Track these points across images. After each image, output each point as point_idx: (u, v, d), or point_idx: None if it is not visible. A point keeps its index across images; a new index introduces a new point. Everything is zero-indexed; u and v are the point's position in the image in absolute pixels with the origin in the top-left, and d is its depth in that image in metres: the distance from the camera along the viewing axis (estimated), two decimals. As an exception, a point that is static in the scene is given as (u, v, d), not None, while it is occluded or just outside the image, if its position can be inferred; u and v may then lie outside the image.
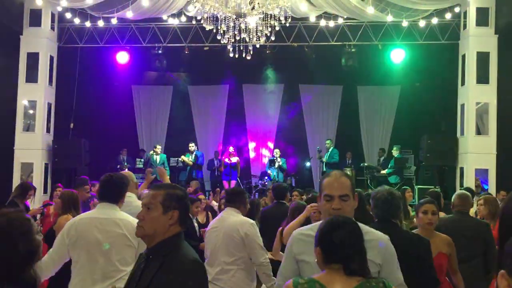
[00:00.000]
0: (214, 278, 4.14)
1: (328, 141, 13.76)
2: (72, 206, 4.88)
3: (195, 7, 9.83)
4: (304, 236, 2.51)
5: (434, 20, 11.38)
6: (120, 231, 3.32)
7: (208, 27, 8.10)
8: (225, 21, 7.99)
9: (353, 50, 12.53)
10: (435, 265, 3.26)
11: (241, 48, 8.39)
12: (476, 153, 11.01)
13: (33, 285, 1.89)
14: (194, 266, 2.19)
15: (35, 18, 11.74)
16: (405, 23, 11.34)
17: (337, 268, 2.10)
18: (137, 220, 3.46)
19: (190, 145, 13.51)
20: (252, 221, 4.32)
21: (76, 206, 4.92)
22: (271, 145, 14.82)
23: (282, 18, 7.83)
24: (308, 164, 15.04)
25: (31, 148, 11.62)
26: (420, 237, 3.34)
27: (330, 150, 13.55)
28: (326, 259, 2.14)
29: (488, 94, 11.10)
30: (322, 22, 11.65)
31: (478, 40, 11.12)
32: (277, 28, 8.21)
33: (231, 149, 13.50)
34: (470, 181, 10.95)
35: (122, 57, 13.10)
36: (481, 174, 11.21)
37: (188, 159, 13.34)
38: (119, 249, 3.29)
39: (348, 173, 13.50)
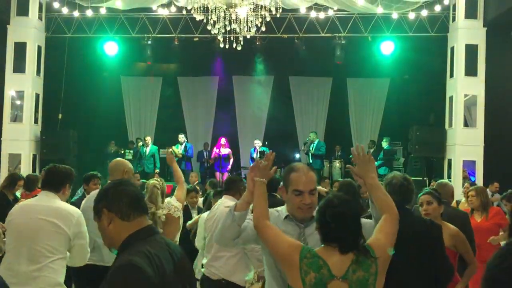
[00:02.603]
0: (208, 264, 4.24)
1: (312, 134, 13.78)
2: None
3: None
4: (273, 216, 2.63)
5: (424, 13, 11.42)
6: (51, 219, 3.39)
7: (198, 17, 8.06)
8: (215, 11, 7.95)
9: (343, 42, 12.55)
10: None
11: (232, 39, 8.36)
12: (464, 145, 11.13)
13: None
14: (121, 271, 1.89)
15: (23, 7, 11.59)
16: (395, 15, 11.37)
17: (334, 245, 2.25)
18: (76, 210, 3.60)
19: (180, 136, 13.46)
20: None
21: None
22: (260, 136, 14.80)
23: (273, 9, 7.81)
24: (297, 156, 15.08)
25: (19, 139, 11.51)
26: (433, 222, 3.37)
27: (316, 142, 13.59)
28: (323, 238, 2.30)
29: (476, 87, 11.20)
30: (313, 14, 11.64)
31: (466, 33, 11.19)
32: (267, 19, 8.19)
33: (222, 140, 13.47)
34: (457, 172, 11.08)
35: (111, 48, 12.96)
36: (469, 166, 11.34)
37: (178, 150, 13.29)
38: (47, 236, 3.34)
39: (338, 165, 13.64)
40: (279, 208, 2.75)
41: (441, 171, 11.77)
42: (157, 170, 12.99)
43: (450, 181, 11.08)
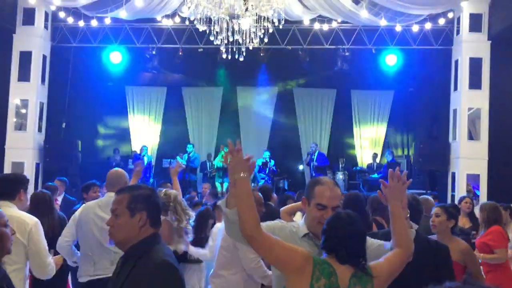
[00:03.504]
0: (210, 279, 4.12)
1: (312, 145, 13.82)
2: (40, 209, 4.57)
3: (188, 8, 9.81)
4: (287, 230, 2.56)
5: (428, 25, 11.42)
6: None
7: (201, 28, 8.09)
8: (218, 23, 7.98)
9: (347, 54, 12.55)
10: None
11: (234, 49, 8.38)
12: (468, 158, 11.04)
13: None
14: (163, 269, 2.08)
15: (29, 16, 11.69)
16: (398, 28, 11.37)
17: (332, 255, 2.28)
18: (32, 217, 3.53)
19: (189, 146, 13.59)
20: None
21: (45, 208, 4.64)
22: (264, 147, 14.76)
23: (275, 21, 7.83)
24: (301, 167, 15.05)
25: (23, 148, 11.55)
26: (438, 244, 3.31)
27: (316, 154, 13.60)
28: (323, 247, 2.33)
29: (480, 100, 11.14)
30: (316, 25, 11.67)
31: (471, 46, 11.17)
32: (270, 31, 8.21)
33: (224, 150, 13.44)
34: (461, 186, 10.99)
35: (116, 57, 13.03)
36: (473, 180, 11.25)
37: (181, 161, 13.33)
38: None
39: (341, 176, 13.59)
40: (295, 224, 2.66)
41: (444, 184, 11.68)
42: (151, 180, 13.08)
43: (454, 194, 11.01)
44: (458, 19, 11.39)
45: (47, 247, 3.52)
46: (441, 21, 11.30)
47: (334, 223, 2.31)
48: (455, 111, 11.52)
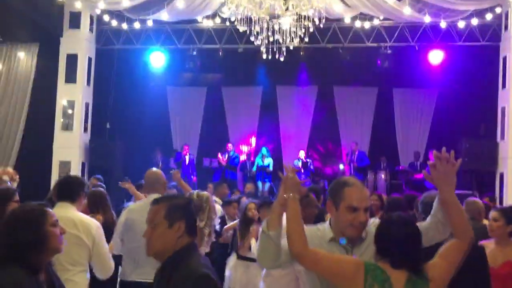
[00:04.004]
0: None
1: (353, 144, 13.67)
2: (98, 205, 4.80)
3: (229, 8, 9.86)
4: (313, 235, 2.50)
5: (474, 21, 11.04)
6: (71, 230, 3.30)
7: (241, 29, 8.12)
8: (258, 22, 7.98)
9: (389, 51, 12.30)
10: (500, 274, 3.14)
11: (275, 49, 8.36)
12: (517, 158, 10.62)
13: (36, 270, 2.17)
14: (202, 282, 2.04)
15: (75, 20, 12.03)
16: (443, 24, 11.04)
17: (386, 260, 2.20)
18: (94, 221, 3.57)
19: (229, 145, 13.69)
20: None
21: (102, 204, 4.82)
22: (303, 147, 14.67)
23: (316, 19, 7.76)
24: (341, 167, 14.89)
25: (69, 147, 11.92)
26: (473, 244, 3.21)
27: (356, 153, 13.44)
28: (377, 252, 2.26)
29: (530, 97, 10.69)
30: (357, 23, 11.48)
31: (520, 42, 10.73)
32: (311, 30, 8.14)
33: (264, 150, 13.50)
34: (510, 187, 10.57)
35: (157, 59, 13.26)
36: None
37: (223, 158, 13.46)
38: (68, 248, 3.16)
39: (383, 176, 13.34)
40: (320, 227, 2.57)
41: (492, 185, 11.27)
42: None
43: (502, 196, 10.61)
44: (506, 14, 10.93)
45: (109, 250, 3.59)
46: (488, 17, 10.88)
47: (386, 226, 2.24)
48: (503, 109, 11.08)
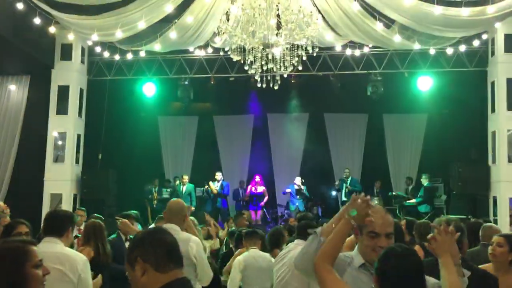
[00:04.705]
0: None
1: (346, 170, 13.71)
2: (91, 237, 4.78)
3: (221, 38, 9.98)
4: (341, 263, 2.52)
5: (462, 48, 11.29)
6: (56, 266, 3.24)
7: (235, 58, 8.19)
8: (252, 52, 8.06)
9: (379, 78, 12.48)
10: None
11: (268, 78, 8.43)
12: (510, 182, 10.71)
13: None
14: None
15: (66, 52, 12.08)
16: (432, 51, 11.27)
17: None
18: (81, 255, 3.49)
19: (217, 174, 13.56)
20: None
21: (96, 236, 4.80)
22: (296, 174, 14.65)
23: (309, 48, 7.86)
24: (333, 193, 14.89)
25: (61, 179, 11.77)
26: (486, 274, 3.16)
27: (349, 179, 13.49)
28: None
29: (519, 121, 10.87)
30: (348, 51, 11.67)
31: (507, 67, 10.96)
32: (304, 58, 8.24)
33: (257, 178, 13.47)
34: (504, 210, 10.64)
35: (149, 89, 13.29)
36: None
37: (214, 187, 13.37)
38: (53, 284, 3.07)
39: (376, 202, 13.33)
40: (348, 254, 2.60)
41: (486, 209, 11.32)
42: (193, 208, 13.03)
43: (496, 219, 10.65)
44: (493, 40, 11.22)
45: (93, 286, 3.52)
46: (475, 43, 11.15)
47: (385, 261, 2.17)
48: (493, 133, 11.25)
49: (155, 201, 12.94)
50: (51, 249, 3.32)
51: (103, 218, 7.73)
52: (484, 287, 3.02)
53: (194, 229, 5.03)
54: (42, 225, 6.62)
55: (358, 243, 2.58)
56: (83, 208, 8.13)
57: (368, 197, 2.40)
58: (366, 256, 2.47)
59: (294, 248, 4.13)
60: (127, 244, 5.82)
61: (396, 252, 2.18)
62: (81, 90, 12.45)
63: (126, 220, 4.91)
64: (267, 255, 5.22)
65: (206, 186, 13.46)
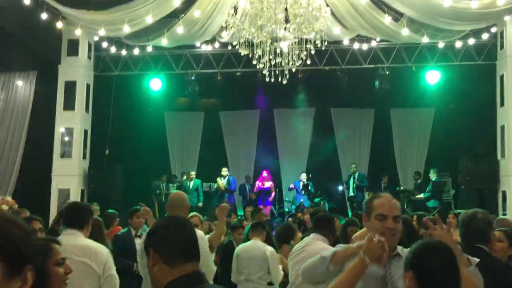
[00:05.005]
0: None
1: (353, 165, 13.65)
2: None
3: (228, 33, 9.94)
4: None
5: (471, 41, 11.19)
6: (81, 258, 3.20)
7: (243, 52, 8.14)
8: (260, 46, 8.02)
9: (386, 72, 12.40)
10: None
11: (277, 72, 8.38)
12: (519, 176, 10.65)
13: None
14: None
15: (73, 48, 12.07)
16: (441, 44, 11.18)
17: None
18: (105, 248, 3.45)
19: (223, 169, 13.53)
20: None
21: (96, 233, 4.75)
22: (302, 169, 14.58)
23: (318, 42, 7.81)
24: (340, 188, 14.84)
25: (68, 175, 11.79)
26: (508, 265, 3.13)
27: (356, 174, 13.43)
28: (421, 286, 2.07)
29: (528, 115, 10.79)
30: (355, 45, 11.60)
31: (516, 60, 10.88)
32: (312, 52, 8.19)
33: (264, 173, 13.44)
34: (513, 205, 10.58)
35: (156, 84, 13.27)
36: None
37: (222, 183, 13.36)
38: (79, 278, 3.08)
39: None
40: (359, 243, 2.61)
41: (494, 203, 11.25)
42: (200, 204, 13.03)
43: (505, 214, 10.58)
44: (502, 33, 11.12)
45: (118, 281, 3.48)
46: (484, 36, 11.05)
47: (427, 255, 2.09)
48: (502, 127, 11.17)
49: (163, 196, 12.94)
50: (74, 241, 3.27)
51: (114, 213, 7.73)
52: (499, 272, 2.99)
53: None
54: (55, 217, 6.66)
55: (367, 231, 2.63)
56: (96, 203, 8.14)
57: (383, 239, 2.34)
58: None
59: (311, 243, 4.11)
60: (136, 240, 5.82)
61: (434, 247, 2.12)
62: (88, 86, 12.44)
63: (149, 209, 4.86)
64: (262, 246, 5.24)
65: (216, 182, 13.45)
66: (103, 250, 3.41)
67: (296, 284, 4.04)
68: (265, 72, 8.17)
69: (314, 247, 4.06)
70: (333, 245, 4.30)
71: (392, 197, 2.59)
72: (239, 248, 5.41)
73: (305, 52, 8.13)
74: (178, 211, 3.94)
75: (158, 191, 12.98)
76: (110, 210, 7.35)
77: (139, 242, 5.31)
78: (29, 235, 1.21)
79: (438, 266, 2.06)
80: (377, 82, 12.72)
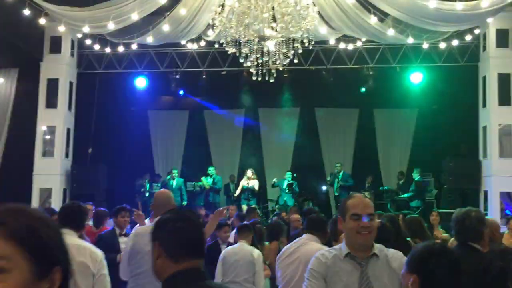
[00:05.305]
0: None
1: (337, 165, 13.70)
2: None
3: (214, 32, 9.89)
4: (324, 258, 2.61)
5: (454, 42, 11.34)
6: (81, 259, 3.20)
7: (231, 51, 8.10)
8: (247, 44, 7.99)
9: (371, 73, 12.49)
10: None
11: (264, 71, 8.36)
12: (501, 176, 10.81)
13: None
14: None
15: (55, 45, 11.87)
16: (425, 45, 11.30)
17: None
18: (99, 250, 3.41)
19: (210, 168, 13.50)
20: None
21: None
22: (287, 168, 14.60)
23: (305, 41, 7.81)
24: (324, 188, 14.90)
25: (50, 174, 11.60)
26: (493, 264, 3.14)
27: (341, 173, 13.48)
28: None
29: (510, 116, 10.99)
30: (341, 45, 11.65)
31: (498, 62, 11.05)
32: (300, 51, 8.19)
33: (249, 172, 13.40)
34: (495, 204, 10.74)
35: (140, 83, 13.15)
36: (503, 198, 10.97)
37: (206, 182, 13.30)
38: (77, 277, 3.07)
39: (367, 196, 13.34)
40: (336, 247, 2.70)
41: (476, 203, 11.40)
42: (184, 203, 12.95)
43: (487, 213, 10.73)
44: (484, 35, 11.29)
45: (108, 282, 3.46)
46: (468, 38, 11.20)
47: (429, 258, 2.05)
48: (484, 128, 11.34)
49: (146, 195, 12.84)
50: (69, 241, 3.22)
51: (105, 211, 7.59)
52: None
53: None
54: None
55: (344, 233, 2.68)
56: (90, 203, 8.07)
57: None
58: (351, 240, 2.57)
59: (305, 244, 4.09)
60: (121, 239, 5.80)
61: (438, 251, 2.10)
62: (71, 84, 12.25)
63: (142, 213, 4.84)
64: (249, 249, 5.23)
65: (201, 182, 13.41)
66: (97, 250, 3.40)
67: (291, 286, 4.03)
68: (253, 70, 8.14)
69: (309, 247, 4.05)
70: (326, 245, 4.32)
71: (364, 196, 2.68)
72: (226, 251, 5.38)
73: (292, 52, 8.12)
74: (164, 210, 3.89)
75: (142, 190, 12.88)
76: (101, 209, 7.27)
77: (124, 241, 5.26)
78: (59, 234, 1.15)
79: (442, 271, 2.05)
80: (364, 89, 12.86)
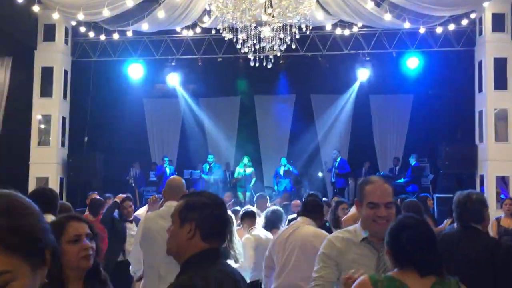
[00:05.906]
0: None
1: (335, 151, 13.73)
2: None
3: (210, 17, 9.82)
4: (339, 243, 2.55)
5: (451, 27, 11.31)
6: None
7: (227, 37, 8.03)
8: (244, 30, 7.93)
9: (367, 58, 12.46)
10: None
11: (261, 57, 8.32)
12: (496, 160, 10.87)
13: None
14: None
15: (49, 32, 11.73)
16: (422, 30, 11.26)
17: (411, 269, 2.07)
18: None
19: (210, 156, 13.53)
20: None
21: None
22: (283, 155, 14.62)
23: (303, 26, 7.76)
24: (320, 174, 14.94)
25: (46, 163, 11.54)
26: (499, 243, 3.16)
27: (338, 160, 13.50)
28: (397, 262, 2.12)
29: (506, 100, 11.00)
30: (337, 31, 11.59)
31: (494, 46, 11.04)
32: (297, 37, 8.14)
33: (245, 159, 13.41)
34: (491, 188, 10.82)
35: (135, 70, 13.05)
36: (499, 182, 11.04)
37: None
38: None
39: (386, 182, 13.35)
40: (350, 228, 2.61)
41: (472, 187, 11.46)
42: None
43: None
44: (480, 19, 11.26)
45: None
46: (464, 22, 11.17)
47: (408, 236, 2.07)
48: (480, 112, 11.36)
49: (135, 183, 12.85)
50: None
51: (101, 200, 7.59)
52: (495, 256, 3.02)
53: None
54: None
55: (360, 218, 2.59)
56: (96, 192, 8.07)
57: (357, 275, 2.25)
58: (367, 227, 2.49)
59: (301, 227, 4.10)
60: (128, 225, 5.83)
61: (407, 224, 2.13)
62: (66, 72, 12.14)
63: (157, 198, 4.93)
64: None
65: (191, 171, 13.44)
66: None
67: (288, 269, 4.03)
68: (250, 56, 8.09)
69: (304, 230, 4.06)
70: (321, 228, 4.33)
71: (384, 182, 2.53)
72: (255, 238, 5.21)
73: (289, 37, 8.07)
74: (177, 196, 3.86)
75: (131, 179, 12.85)
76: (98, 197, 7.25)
77: (130, 227, 5.25)
78: (42, 216, 1.12)
79: (409, 241, 2.07)
80: (358, 68, 12.81)
